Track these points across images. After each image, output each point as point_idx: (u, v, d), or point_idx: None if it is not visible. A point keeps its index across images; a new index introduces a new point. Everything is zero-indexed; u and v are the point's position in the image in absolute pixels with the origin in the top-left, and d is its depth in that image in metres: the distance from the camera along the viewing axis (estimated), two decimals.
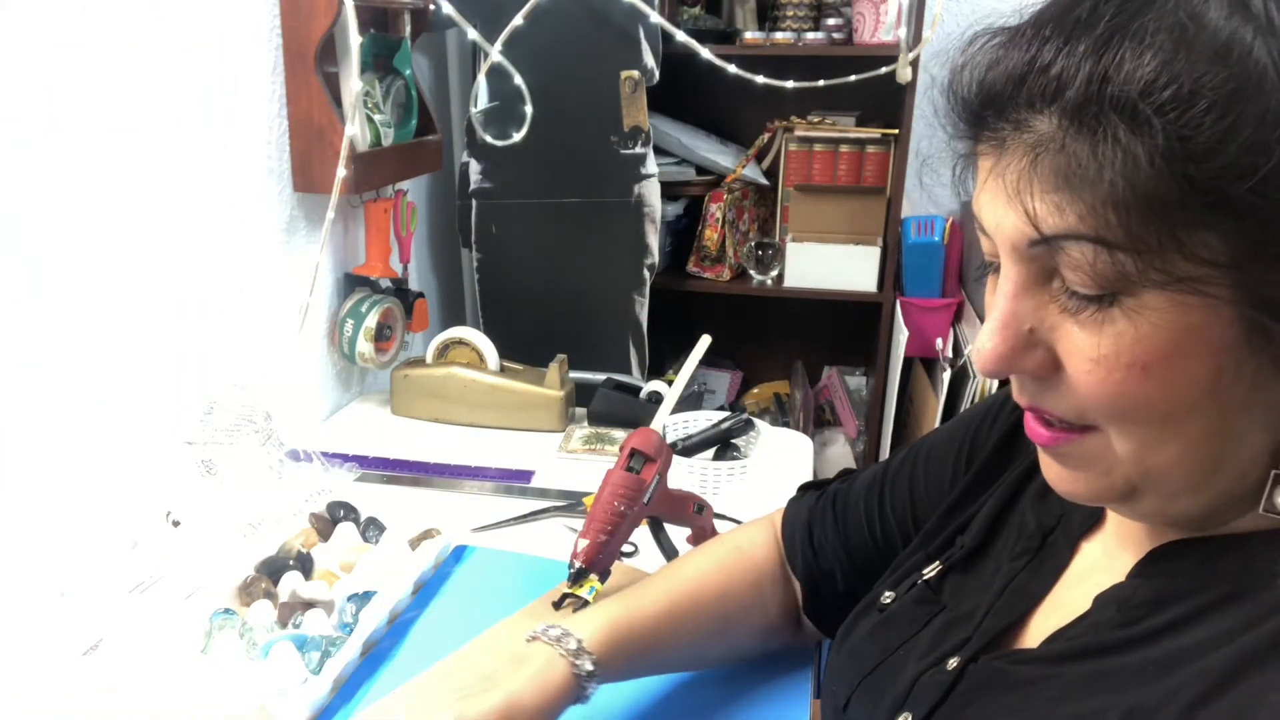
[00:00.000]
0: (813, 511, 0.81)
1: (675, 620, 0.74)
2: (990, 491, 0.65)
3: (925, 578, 0.64)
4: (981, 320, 1.97)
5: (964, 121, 0.46)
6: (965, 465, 0.69)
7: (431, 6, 1.50)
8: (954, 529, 0.66)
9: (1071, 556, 0.57)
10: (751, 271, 2.15)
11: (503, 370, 1.47)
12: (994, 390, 1.77)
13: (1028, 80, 0.42)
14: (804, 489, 0.85)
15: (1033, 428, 0.49)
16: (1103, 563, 0.54)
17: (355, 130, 1.31)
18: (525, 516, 1.15)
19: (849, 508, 0.78)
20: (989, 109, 0.44)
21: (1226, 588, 0.46)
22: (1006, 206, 0.43)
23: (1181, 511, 0.48)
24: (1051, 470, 0.50)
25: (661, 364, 2.21)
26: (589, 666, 0.67)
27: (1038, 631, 0.55)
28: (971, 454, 0.69)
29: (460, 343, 1.48)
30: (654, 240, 1.87)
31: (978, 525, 0.64)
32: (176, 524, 1.06)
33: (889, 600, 0.66)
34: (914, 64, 1.82)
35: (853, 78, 1.83)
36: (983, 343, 0.46)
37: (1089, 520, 0.57)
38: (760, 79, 1.76)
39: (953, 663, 0.55)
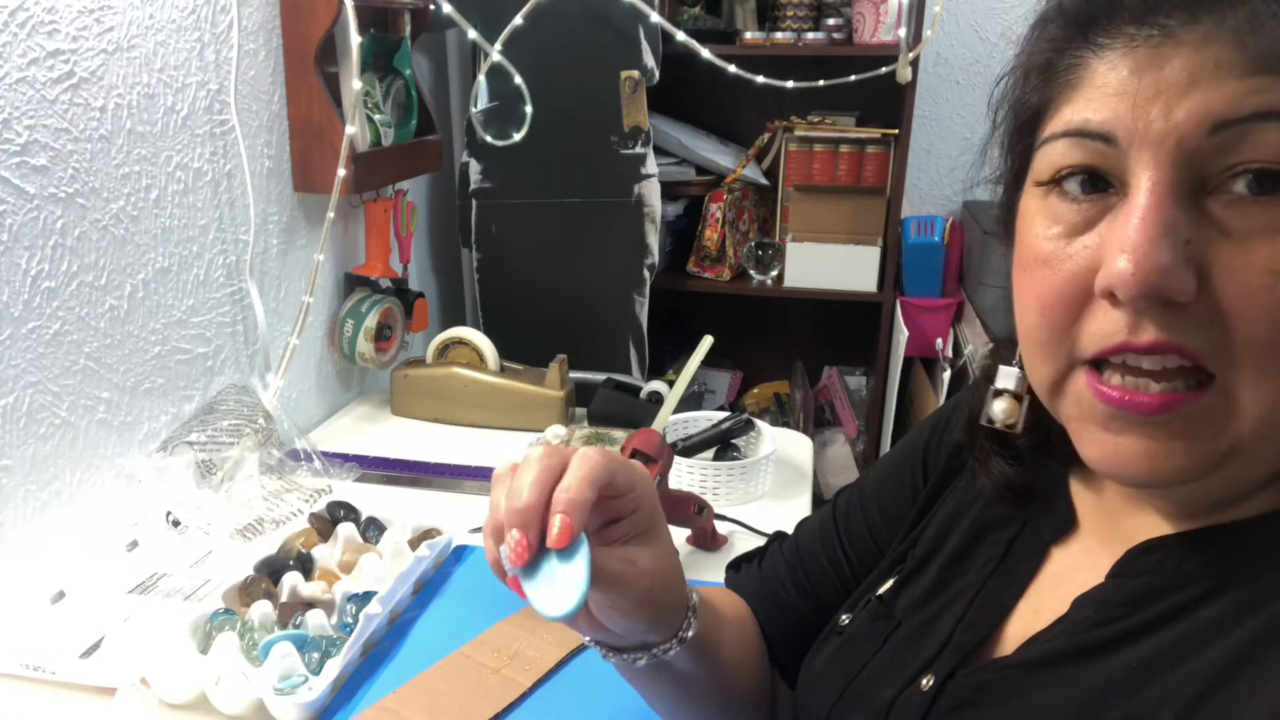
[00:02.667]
0: (765, 576, 0.74)
1: (730, 627, 0.67)
2: (941, 501, 0.63)
3: (879, 593, 0.61)
4: (981, 320, 1.94)
5: (1093, 23, 0.43)
6: (922, 481, 0.66)
7: (431, 6, 1.50)
8: (906, 544, 0.63)
9: (1042, 562, 0.54)
10: (751, 271, 2.15)
11: (503, 370, 1.47)
12: None
13: None
14: (734, 565, 0.78)
15: (1124, 395, 0.42)
16: (1082, 563, 0.52)
17: (355, 130, 1.31)
18: None
19: (804, 558, 0.72)
20: (1154, 3, 0.40)
21: (1210, 581, 0.44)
22: (1179, 96, 0.39)
23: (1245, 483, 0.44)
24: (1130, 449, 0.42)
25: (661, 364, 2.21)
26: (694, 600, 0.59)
27: (1013, 639, 0.52)
28: (925, 470, 0.66)
29: (460, 343, 1.48)
30: (654, 240, 1.87)
31: (928, 536, 0.61)
32: (176, 524, 1.06)
33: (846, 622, 0.63)
34: (914, 64, 1.82)
35: (853, 78, 1.83)
36: (1130, 260, 0.39)
37: (1061, 525, 0.54)
38: (760, 79, 1.76)
39: (926, 681, 0.53)
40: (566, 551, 0.48)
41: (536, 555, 0.48)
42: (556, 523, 0.47)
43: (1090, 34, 0.43)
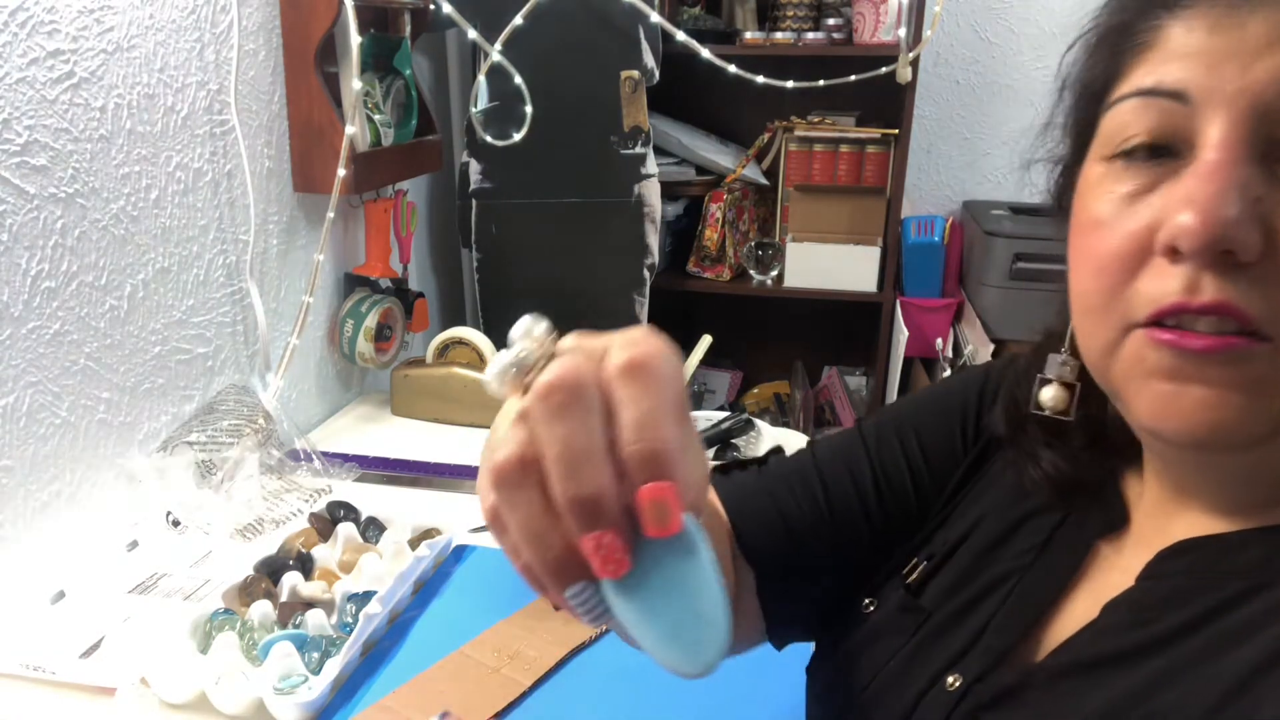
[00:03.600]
0: (765, 479, 0.65)
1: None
2: (973, 483, 0.60)
3: (906, 582, 0.59)
4: (981, 319, 1.95)
5: None
6: (964, 446, 0.61)
7: (431, 6, 1.50)
8: (935, 522, 0.60)
9: (1085, 558, 0.52)
10: (751, 271, 2.15)
11: None
12: None
13: None
14: (724, 470, 0.68)
15: (1178, 337, 0.40)
16: (1120, 565, 0.50)
17: (355, 130, 1.31)
18: None
19: (824, 471, 0.64)
20: None
21: (1240, 584, 0.43)
22: (1255, 56, 0.39)
23: None
24: (1188, 398, 0.41)
25: None
26: None
27: (1048, 641, 0.50)
28: (966, 435, 0.61)
29: (460, 343, 1.48)
30: (654, 240, 1.87)
31: (957, 519, 0.59)
32: (176, 524, 1.06)
33: (870, 609, 0.60)
34: (914, 64, 1.82)
35: (853, 78, 1.83)
36: (1196, 213, 0.38)
37: (1111, 522, 0.52)
38: (760, 79, 1.76)
39: (953, 680, 0.52)
40: (670, 539, 0.30)
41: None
42: (654, 505, 0.31)
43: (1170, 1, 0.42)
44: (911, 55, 1.80)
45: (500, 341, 1.55)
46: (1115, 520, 0.52)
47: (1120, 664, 0.45)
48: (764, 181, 2.18)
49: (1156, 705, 0.42)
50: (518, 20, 1.59)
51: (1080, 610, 0.50)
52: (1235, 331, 0.40)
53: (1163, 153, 0.42)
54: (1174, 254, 0.40)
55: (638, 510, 0.31)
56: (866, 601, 0.61)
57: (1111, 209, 0.43)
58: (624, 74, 1.77)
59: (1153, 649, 0.44)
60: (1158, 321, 0.41)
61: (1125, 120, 0.43)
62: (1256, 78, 0.39)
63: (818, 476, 0.64)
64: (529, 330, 0.35)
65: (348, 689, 0.83)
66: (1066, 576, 0.52)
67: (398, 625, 0.93)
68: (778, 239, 2.13)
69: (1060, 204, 0.51)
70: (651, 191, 1.85)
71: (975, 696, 0.50)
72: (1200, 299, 0.40)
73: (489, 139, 1.70)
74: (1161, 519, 0.49)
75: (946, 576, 0.57)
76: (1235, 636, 0.42)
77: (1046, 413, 0.53)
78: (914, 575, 0.59)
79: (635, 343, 0.34)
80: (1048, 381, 0.53)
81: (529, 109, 1.65)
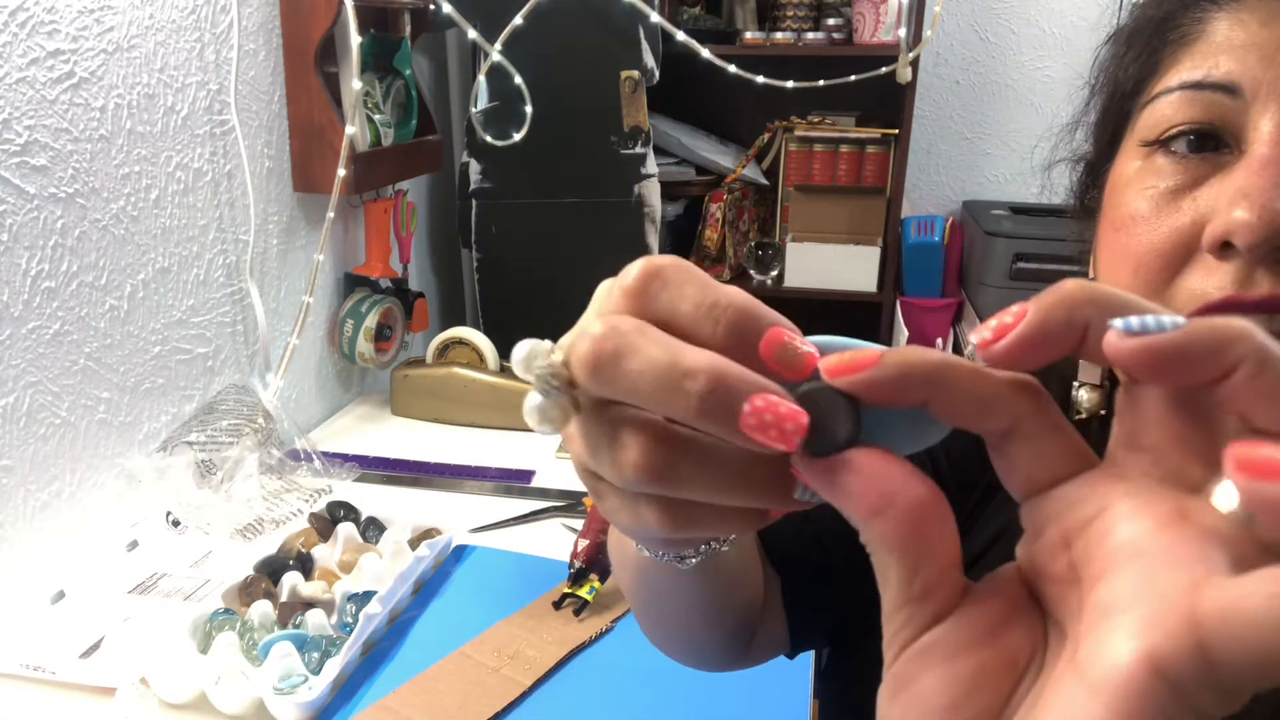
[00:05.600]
0: None
1: None
2: (988, 507, 0.59)
3: None
4: (981, 320, 1.99)
5: None
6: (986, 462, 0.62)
7: (431, 6, 1.50)
8: (960, 531, 0.60)
9: None
10: (751, 271, 2.15)
11: (503, 370, 1.47)
12: None
13: None
14: None
15: (1229, 297, 0.39)
16: None
17: (355, 130, 1.31)
18: (525, 516, 1.15)
19: None
20: None
21: None
22: None
23: None
24: None
25: None
26: None
27: None
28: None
29: (460, 343, 1.48)
30: (654, 240, 1.87)
31: (983, 530, 0.58)
32: (176, 524, 1.06)
33: None
34: (914, 64, 1.82)
35: (853, 78, 1.83)
36: (1252, 207, 0.37)
37: None
38: (760, 79, 1.76)
39: None
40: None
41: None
42: (778, 349, 0.26)
43: None
44: (911, 55, 1.80)
45: (500, 341, 1.56)
46: None
47: None
48: (764, 181, 2.18)
49: None
50: (518, 20, 1.59)
51: None
52: None
53: (1207, 145, 0.41)
54: (1223, 249, 0.39)
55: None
56: None
57: (1150, 204, 0.42)
58: (624, 74, 1.77)
59: None
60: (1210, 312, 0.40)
61: (1167, 114, 0.42)
62: None
63: None
64: (532, 353, 0.27)
65: (348, 689, 0.83)
66: None
67: (398, 625, 0.93)
68: (778, 239, 2.13)
69: (1084, 203, 0.50)
70: (651, 191, 1.85)
71: None
72: (1255, 293, 0.38)
73: (489, 139, 1.70)
74: None
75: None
76: None
77: (1084, 415, 0.52)
78: None
79: (632, 266, 0.28)
80: (1081, 385, 0.51)
81: (529, 109, 1.65)
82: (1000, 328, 0.23)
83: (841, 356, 0.24)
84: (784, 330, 0.26)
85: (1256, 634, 0.18)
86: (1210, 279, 0.39)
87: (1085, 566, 0.22)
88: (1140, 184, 0.43)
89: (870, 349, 0.25)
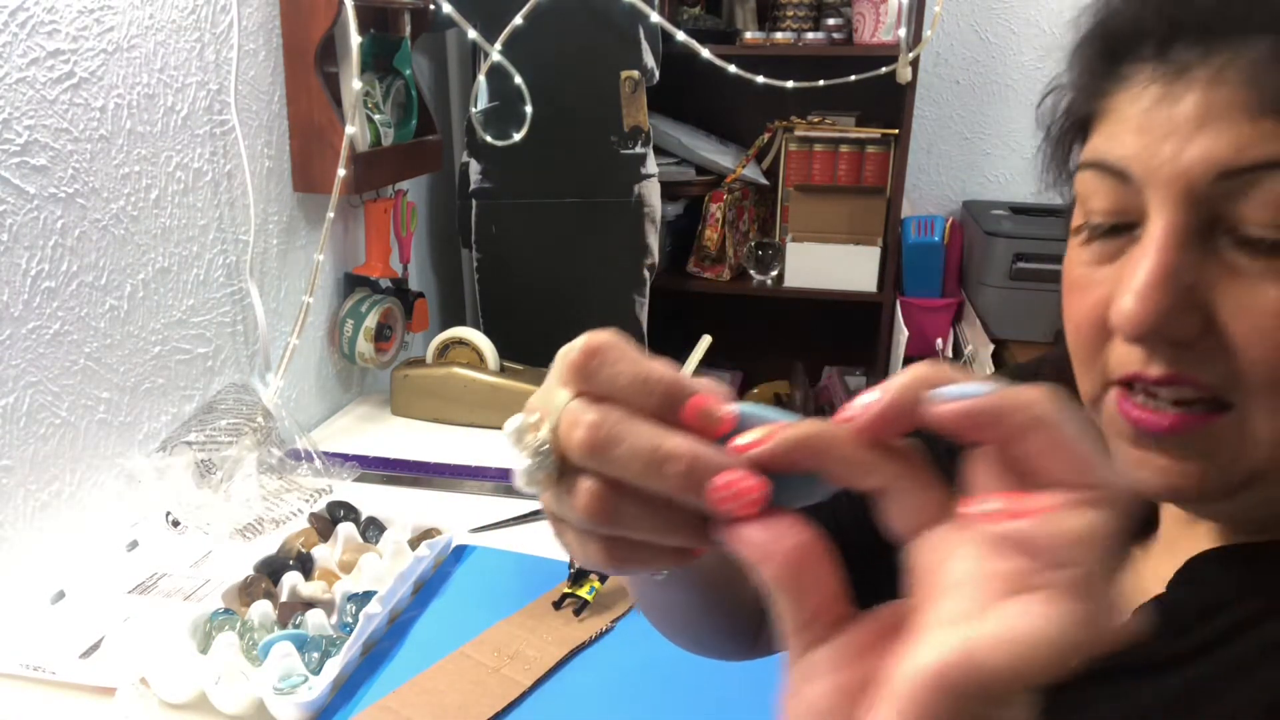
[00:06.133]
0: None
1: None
2: None
3: None
4: (982, 320, 1.95)
5: (1118, 55, 0.43)
6: None
7: (431, 6, 1.50)
8: None
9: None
10: (751, 271, 2.15)
11: (503, 370, 1.47)
12: None
13: (1233, 2, 0.39)
14: None
15: (1144, 415, 0.42)
16: (1149, 570, 0.50)
17: (355, 130, 1.31)
18: (525, 516, 1.15)
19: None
20: (1172, 34, 0.40)
21: (1274, 596, 0.43)
22: (1186, 139, 0.39)
23: (1277, 510, 0.44)
24: (1151, 465, 0.43)
25: None
26: None
27: None
28: None
29: (460, 343, 1.48)
30: (654, 240, 1.87)
31: None
32: (176, 524, 1.06)
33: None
34: (914, 64, 1.82)
35: (853, 78, 1.83)
36: (1131, 303, 0.40)
37: (1143, 524, 0.52)
38: (760, 79, 1.76)
39: None
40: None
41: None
42: (698, 414, 0.31)
43: (1118, 63, 0.43)
44: (911, 55, 1.80)
45: (500, 341, 1.56)
46: (1146, 525, 0.52)
47: (1155, 671, 0.44)
48: (764, 181, 2.18)
49: (1200, 712, 0.41)
50: (518, 20, 1.59)
51: None
52: (1194, 399, 0.41)
53: (1118, 230, 0.43)
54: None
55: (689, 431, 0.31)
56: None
57: (1081, 274, 0.45)
58: (624, 74, 1.77)
59: (1187, 659, 0.44)
60: (1128, 383, 0.43)
61: (1088, 190, 0.44)
62: (1187, 164, 0.39)
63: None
64: (522, 427, 0.32)
65: (348, 689, 0.83)
66: None
67: (398, 625, 0.93)
68: (778, 239, 2.13)
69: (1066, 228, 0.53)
70: (651, 191, 1.85)
71: None
72: (1153, 373, 0.42)
73: (489, 139, 1.70)
74: (1186, 525, 0.49)
75: None
76: (1264, 653, 0.41)
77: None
78: None
79: (576, 342, 0.34)
80: None
81: (529, 109, 1.65)
82: (863, 407, 0.29)
83: (746, 436, 0.30)
84: (704, 399, 0.31)
85: (1008, 652, 0.24)
86: (1123, 354, 0.43)
87: (922, 598, 0.28)
88: (1076, 254, 0.46)
89: (777, 424, 0.30)
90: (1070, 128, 0.47)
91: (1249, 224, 0.39)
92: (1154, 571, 0.50)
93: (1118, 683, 0.46)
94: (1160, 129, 0.40)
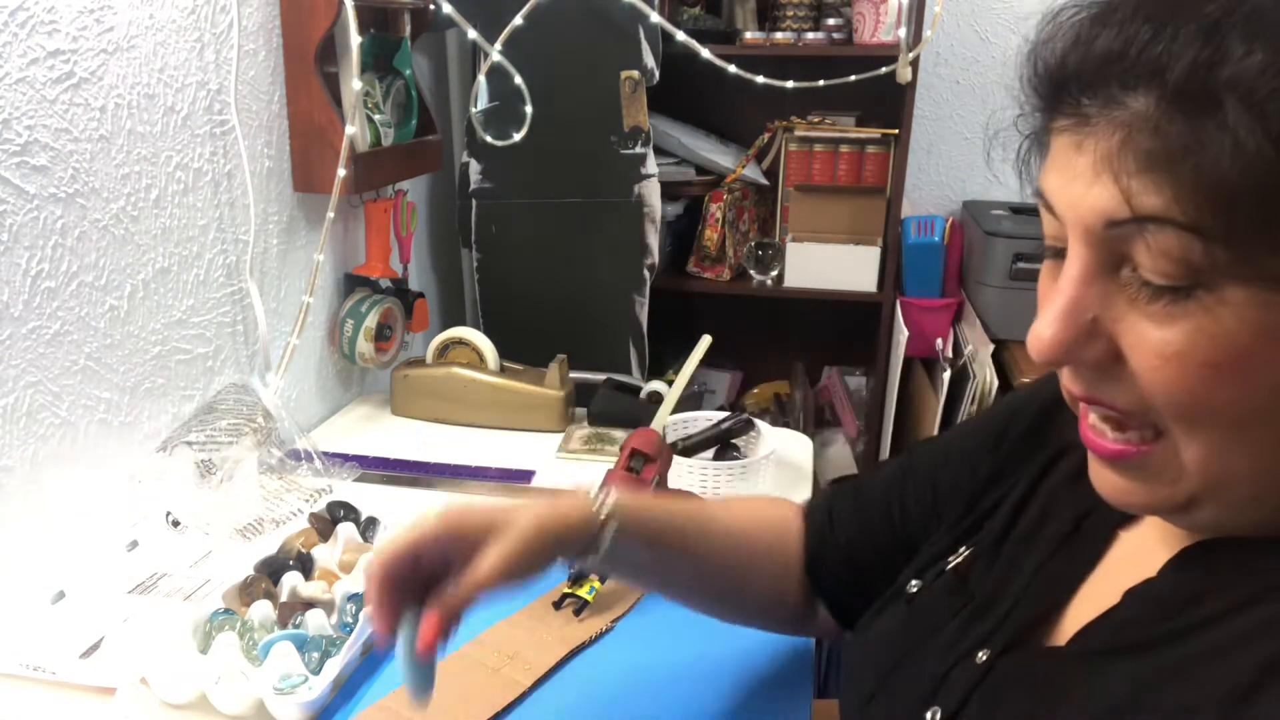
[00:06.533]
0: (834, 493, 0.80)
1: (701, 522, 0.73)
2: (1019, 475, 0.63)
3: (952, 565, 0.62)
4: (982, 320, 1.96)
5: (1043, 95, 0.45)
6: (995, 445, 0.67)
7: (431, 6, 1.50)
8: (981, 513, 0.64)
9: (1107, 545, 0.55)
10: (751, 271, 2.15)
11: (503, 370, 1.47)
12: (994, 391, 1.77)
13: (1126, 57, 0.40)
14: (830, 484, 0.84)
15: (1094, 439, 0.47)
16: (1138, 554, 0.52)
17: (355, 130, 1.31)
18: None
19: (870, 490, 0.77)
20: (1077, 84, 0.42)
21: (1260, 584, 0.44)
22: (1087, 185, 0.42)
23: (1240, 523, 0.46)
24: (1106, 479, 0.48)
25: (661, 364, 2.21)
26: (609, 507, 0.65)
27: (1070, 624, 0.53)
28: (1003, 436, 0.67)
29: (460, 343, 1.48)
30: (654, 240, 1.87)
31: (1005, 509, 0.62)
32: (176, 524, 1.06)
33: (915, 589, 0.64)
34: (914, 64, 1.82)
35: (853, 78, 1.83)
36: (1041, 329, 0.44)
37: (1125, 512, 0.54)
38: (760, 79, 1.76)
39: (981, 655, 0.54)
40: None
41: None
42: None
43: (1051, 104, 0.45)
44: (911, 55, 1.80)
45: (500, 341, 1.56)
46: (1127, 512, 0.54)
47: (1140, 652, 0.46)
48: (764, 181, 2.18)
49: (1171, 693, 0.43)
50: (518, 20, 1.59)
51: (1100, 595, 0.52)
52: (1123, 419, 0.46)
53: (1062, 252, 0.46)
54: None
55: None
56: (913, 582, 0.65)
57: (1043, 290, 0.48)
58: (624, 74, 1.77)
59: (1172, 640, 0.45)
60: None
61: (1042, 213, 0.47)
62: (1083, 212, 0.43)
63: (864, 494, 0.77)
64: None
65: (348, 689, 0.83)
66: (1089, 563, 0.55)
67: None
68: (778, 239, 2.13)
69: None
70: (651, 191, 1.85)
71: (999, 673, 0.53)
72: (1076, 391, 0.47)
73: (489, 139, 1.70)
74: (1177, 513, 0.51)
75: (990, 562, 0.60)
76: (1252, 634, 0.43)
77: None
78: (959, 560, 0.62)
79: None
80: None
81: (529, 109, 1.65)
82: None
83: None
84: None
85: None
86: (1065, 370, 0.48)
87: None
88: (1044, 272, 0.49)
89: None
90: (1031, 149, 0.50)
91: (1142, 268, 0.41)
92: (1146, 558, 0.51)
93: (1106, 661, 0.48)
94: (1071, 173, 0.43)
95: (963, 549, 0.63)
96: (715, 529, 0.74)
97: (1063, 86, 0.43)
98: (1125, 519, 0.55)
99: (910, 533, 0.72)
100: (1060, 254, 0.46)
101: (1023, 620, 0.54)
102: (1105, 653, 0.48)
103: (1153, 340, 0.42)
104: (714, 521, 0.75)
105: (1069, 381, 0.47)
